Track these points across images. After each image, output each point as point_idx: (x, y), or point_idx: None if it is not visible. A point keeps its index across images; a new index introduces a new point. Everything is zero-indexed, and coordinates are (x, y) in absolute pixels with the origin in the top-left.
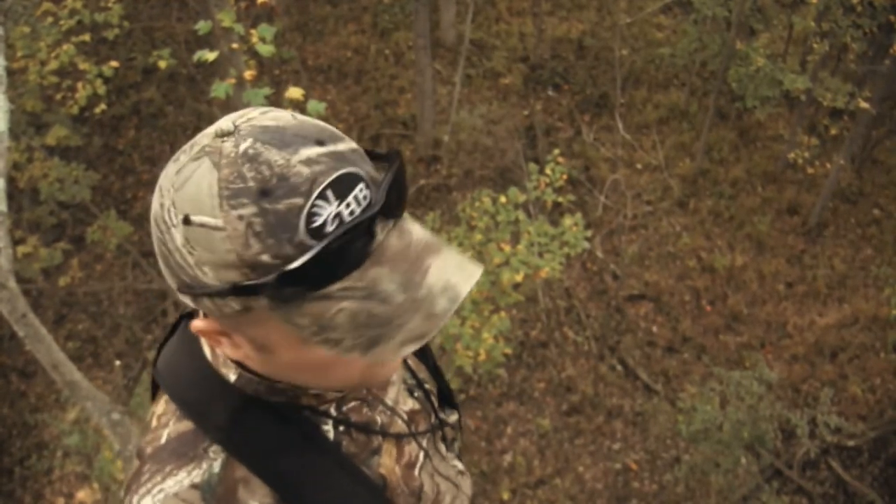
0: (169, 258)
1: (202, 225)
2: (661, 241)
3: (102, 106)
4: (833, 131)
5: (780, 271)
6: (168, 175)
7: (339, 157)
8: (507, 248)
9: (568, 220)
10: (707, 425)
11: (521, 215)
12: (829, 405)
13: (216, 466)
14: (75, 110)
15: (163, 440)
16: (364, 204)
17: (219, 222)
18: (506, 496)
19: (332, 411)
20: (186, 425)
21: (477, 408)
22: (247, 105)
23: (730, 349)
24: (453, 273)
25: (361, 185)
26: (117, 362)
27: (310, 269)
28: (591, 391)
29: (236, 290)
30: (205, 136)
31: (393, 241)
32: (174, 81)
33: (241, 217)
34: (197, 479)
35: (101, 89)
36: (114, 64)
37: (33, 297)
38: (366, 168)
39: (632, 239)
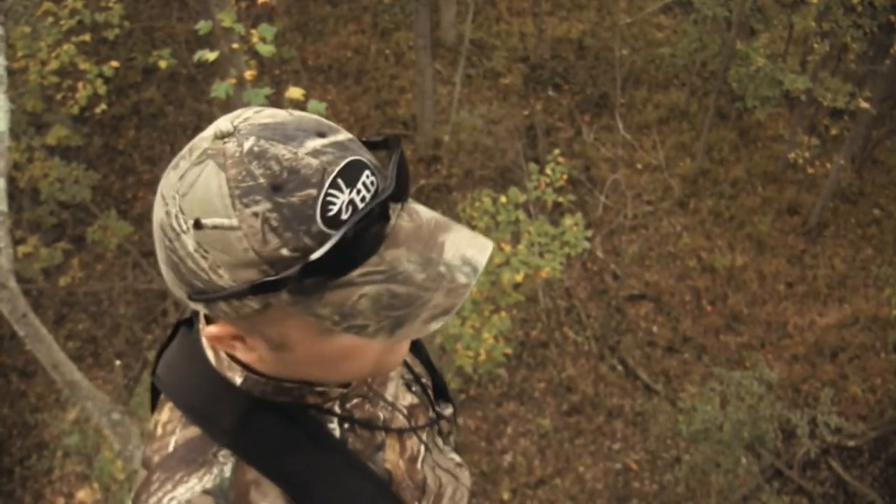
0: (180, 265)
1: (215, 227)
2: (662, 241)
3: (103, 106)
4: (833, 131)
5: (780, 271)
6: (170, 182)
7: (342, 147)
8: (508, 248)
9: (568, 220)
10: (707, 425)
11: (522, 215)
12: (829, 405)
13: (227, 471)
14: (76, 110)
15: (170, 448)
16: (373, 190)
17: (233, 222)
18: (506, 496)
19: (337, 409)
20: (194, 431)
21: (477, 408)
22: (248, 105)
23: (730, 349)
24: (467, 247)
25: (368, 172)
26: (117, 362)
27: (331, 257)
28: (591, 391)
29: (257, 289)
30: (204, 140)
31: (404, 222)
32: (174, 81)
33: (255, 214)
34: (209, 485)
35: (102, 89)
36: (114, 64)
37: (34, 297)
38: (367, 156)
39: (632, 239)
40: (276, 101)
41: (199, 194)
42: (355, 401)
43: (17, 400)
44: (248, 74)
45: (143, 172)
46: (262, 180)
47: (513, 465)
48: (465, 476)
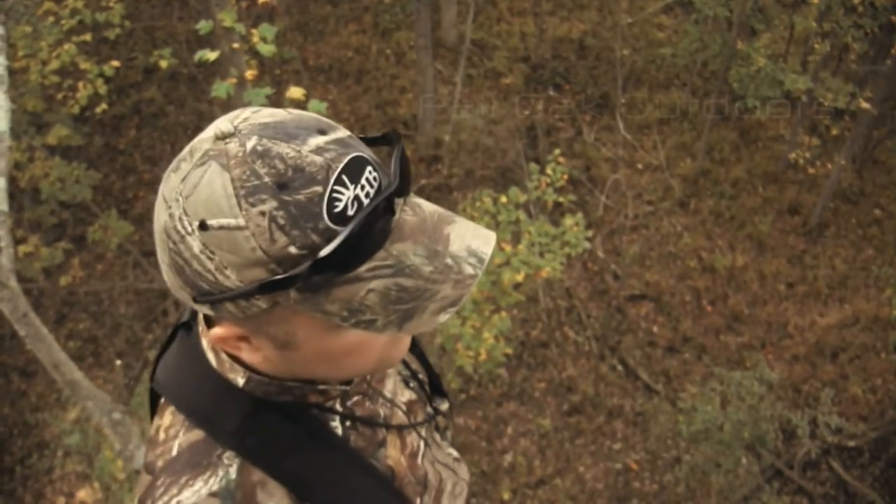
0: (185, 268)
1: (221, 227)
2: (662, 241)
3: (103, 105)
4: (834, 131)
5: (780, 271)
6: (172, 185)
7: (344, 144)
8: (508, 248)
9: (569, 220)
10: (708, 425)
11: (522, 215)
12: (829, 405)
13: (232, 472)
14: (76, 110)
15: (174, 452)
16: (376, 185)
17: (240, 221)
18: (506, 496)
19: (338, 407)
20: (197, 434)
21: (477, 408)
22: (249, 104)
23: (730, 349)
24: (472, 238)
25: (370, 168)
26: (118, 362)
27: (339, 253)
28: (591, 391)
29: (265, 287)
30: (204, 142)
31: (408, 216)
32: (175, 81)
33: (262, 213)
34: (215, 487)
35: (102, 89)
36: (115, 63)
37: (34, 297)
38: (367, 152)
39: (633, 239)
40: (276, 101)
41: (204, 196)
42: (356, 398)
43: (17, 399)
44: (249, 74)
45: (144, 172)
46: (267, 179)
47: (513, 465)
48: (464, 470)
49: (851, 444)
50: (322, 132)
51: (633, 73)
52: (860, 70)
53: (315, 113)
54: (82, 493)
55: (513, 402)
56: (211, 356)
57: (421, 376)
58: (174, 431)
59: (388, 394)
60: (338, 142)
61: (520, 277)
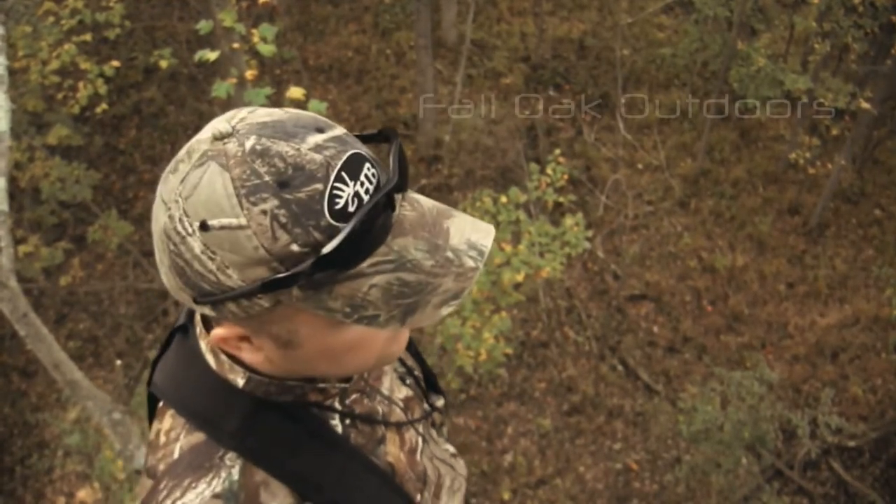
0: (186, 269)
1: (223, 227)
2: (662, 242)
3: (104, 105)
4: (834, 132)
5: (781, 271)
6: (170, 187)
7: (342, 141)
8: (508, 248)
9: (569, 220)
10: (708, 425)
11: (522, 215)
12: (829, 405)
13: (235, 473)
14: (76, 110)
15: (176, 454)
16: (375, 182)
17: (241, 221)
18: (506, 496)
19: (337, 405)
20: (198, 437)
21: (477, 408)
22: (248, 104)
23: (731, 349)
24: (472, 231)
25: (368, 165)
26: (118, 362)
27: (342, 250)
28: (591, 391)
29: (268, 286)
30: (202, 142)
31: (407, 212)
32: (175, 81)
33: (264, 212)
34: (218, 489)
35: (103, 89)
36: (115, 63)
37: (34, 297)
38: (364, 149)
39: (633, 239)
40: (277, 101)
41: (204, 196)
42: (354, 396)
43: (17, 399)
44: (249, 74)
45: (144, 172)
46: (267, 178)
47: (513, 465)
48: (461, 466)
49: (852, 444)
50: (320, 130)
51: (633, 73)
52: (860, 70)
53: (315, 112)
54: (82, 493)
55: (513, 402)
56: (210, 358)
57: (416, 373)
58: (175, 434)
59: (385, 391)
60: (336, 139)
61: (520, 277)
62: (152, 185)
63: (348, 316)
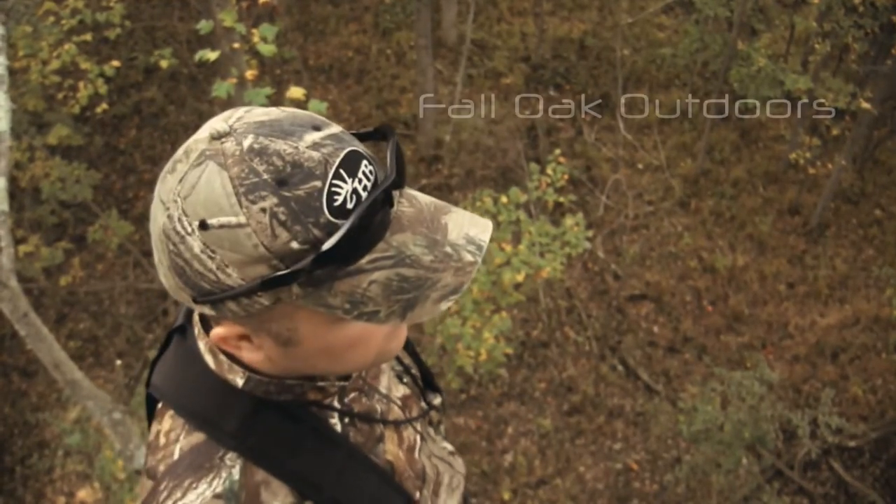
0: (185, 269)
1: (222, 226)
2: (663, 242)
3: (104, 105)
4: (834, 132)
5: (781, 272)
6: (169, 187)
7: (339, 139)
8: (509, 248)
9: (569, 220)
10: (708, 425)
11: (523, 215)
12: (830, 406)
13: (235, 473)
14: (77, 110)
15: (176, 455)
16: (372, 178)
17: (241, 219)
18: (507, 496)
19: (336, 404)
20: (198, 437)
21: (478, 408)
22: (249, 104)
23: (731, 349)
24: (470, 226)
25: (366, 162)
26: (118, 362)
27: (341, 246)
28: (591, 391)
29: (269, 283)
30: (199, 142)
31: (405, 208)
32: (176, 81)
33: (263, 210)
34: (219, 489)
35: (103, 89)
36: (115, 63)
37: (34, 297)
38: (360, 146)
39: (633, 239)
40: (277, 101)
41: (203, 195)
42: (352, 395)
43: (18, 399)
44: (250, 74)
45: (145, 172)
46: (266, 176)
47: (513, 465)
48: (459, 463)
49: (852, 444)
50: (317, 128)
51: (633, 73)
52: (861, 70)
53: (315, 112)
54: (83, 493)
55: (513, 402)
56: (209, 358)
57: (413, 371)
58: (174, 435)
59: (383, 389)
60: (333, 137)
61: (520, 277)
62: (152, 185)
63: (348, 312)
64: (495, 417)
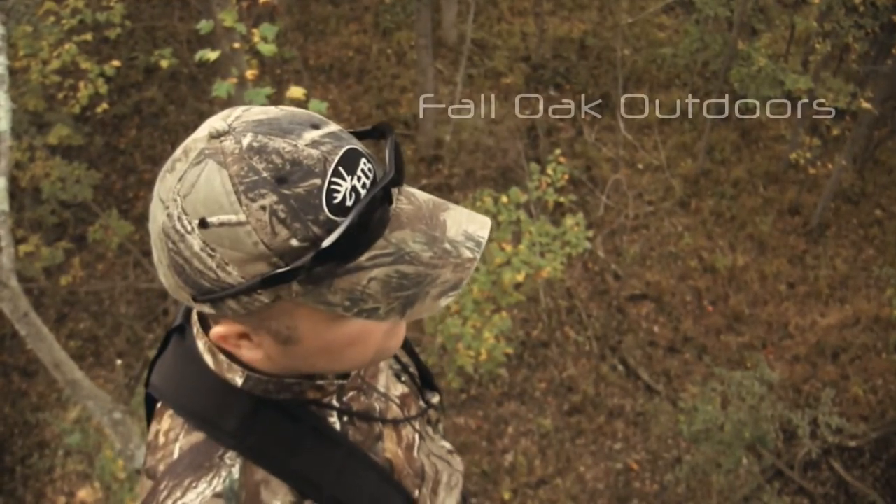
0: (185, 267)
1: (222, 224)
2: (663, 241)
3: (104, 105)
4: (835, 132)
5: (781, 272)
6: (168, 185)
7: (337, 137)
8: (509, 248)
9: (569, 220)
10: (708, 425)
11: (523, 215)
12: (830, 406)
13: (235, 472)
14: (77, 109)
15: (175, 455)
16: (371, 176)
17: (241, 217)
18: (507, 496)
19: (335, 402)
20: (197, 436)
21: (478, 407)
22: (249, 104)
23: (731, 349)
24: (468, 223)
25: (364, 159)
26: (119, 361)
27: (341, 243)
28: (592, 391)
29: (269, 281)
30: (198, 141)
31: (404, 205)
32: (176, 81)
33: (263, 207)
34: (218, 488)
35: (103, 88)
36: (115, 63)
37: (35, 296)
38: (358, 144)
39: (633, 239)
40: (277, 101)
41: (202, 194)
42: (351, 394)
43: (18, 399)
44: (250, 74)
45: (145, 172)
46: (265, 174)
47: (514, 465)
48: (458, 462)
49: (852, 444)
50: (315, 126)
51: (633, 73)
52: (861, 70)
53: (316, 112)
54: (83, 493)
55: (513, 402)
56: (208, 358)
57: (411, 370)
58: (174, 435)
59: (381, 388)
60: (331, 135)
61: (520, 277)
62: (153, 184)
63: (348, 309)
64: (495, 417)
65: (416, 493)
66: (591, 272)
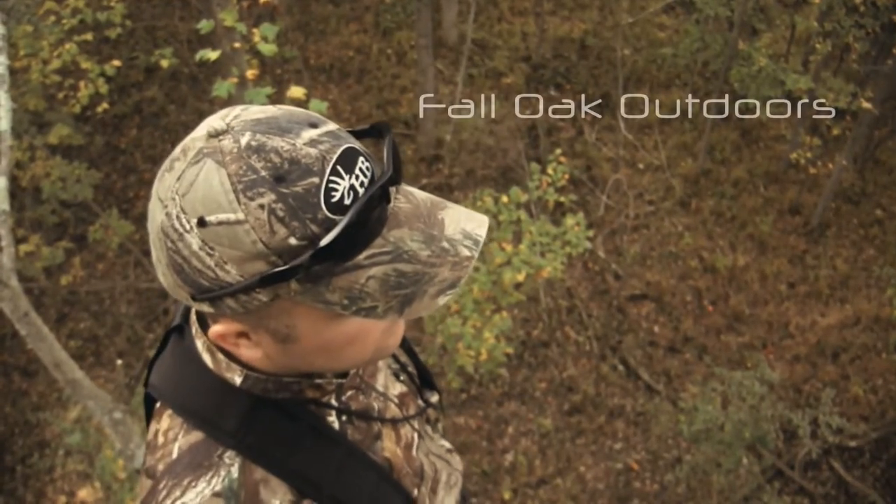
0: (184, 266)
1: (221, 223)
2: (663, 241)
3: (104, 105)
4: (835, 131)
5: (781, 271)
6: (167, 185)
7: (335, 136)
8: (509, 248)
9: (570, 220)
10: (708, 425)
11: (523, 215)
12: (830, 405)
13: (234, 472)
14: (77, 109)
15: (174, 454)
16: (369, 175)
17: (239, 216)
18: (507, 496)
19: (333, 402)
20: (196, 436)
21: (478, 407)
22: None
23: (731, 349)
24: (466, 221)
25: (362, 158)
26: (119, 361)
27: (339, 242)
28: (592, 391)
29: (267, 280)
30: (197, 140)
31: (402, 204)
32: (176, 80)
33: (261, 206)
34: (218, 488)
35: (104, 88)
36: (116, 63)
37: (35, 296)
38: (357, 143)
39: (633, 239)
40: (277, 101)
41: (201, 192)
42: (350, 393)
43: (18, 399)
44: (250, 74)
45: (145, 171)
46: (264, 173)
47: (514, 465)
48: (457, 461)
49: (852, 444)
50: (313, 125)
51: (634, 72)
52: (861, 70)
53: (316, 112)
54: (83, 493)
55: (514, 402)
56: (207, 357)
57: (410, 369)
58: (173, 434)
59: (380, 387)
60: (329, 134)
61: (521, 277)
62: (153, 184)
63: (346, 308)
64: (496, 417)
65: (415, 491)
66: (591, 272)
